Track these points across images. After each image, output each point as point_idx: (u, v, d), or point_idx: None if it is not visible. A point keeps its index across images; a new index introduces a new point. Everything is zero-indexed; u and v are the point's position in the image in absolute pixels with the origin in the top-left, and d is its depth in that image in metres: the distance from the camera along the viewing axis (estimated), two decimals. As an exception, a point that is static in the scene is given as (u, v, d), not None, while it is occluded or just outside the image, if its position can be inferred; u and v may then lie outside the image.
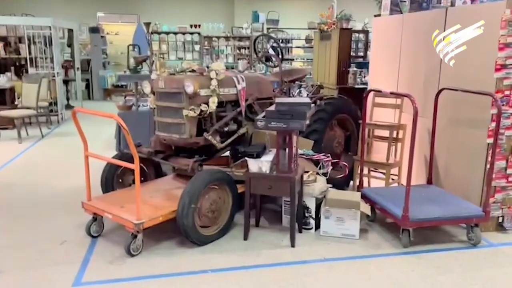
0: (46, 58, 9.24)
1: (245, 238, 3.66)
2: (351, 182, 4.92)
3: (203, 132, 3.78)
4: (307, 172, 3.94)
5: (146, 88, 3.90)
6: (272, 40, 6.99)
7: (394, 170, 4.73)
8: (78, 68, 11.17)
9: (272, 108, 3.46)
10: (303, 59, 11.18)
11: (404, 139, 4.66)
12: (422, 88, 4.61)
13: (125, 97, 7.00)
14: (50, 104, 8.98)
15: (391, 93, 3.81)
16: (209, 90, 3.73)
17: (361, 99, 7.04)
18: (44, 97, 8.56)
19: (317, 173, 4.05)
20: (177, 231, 3.46)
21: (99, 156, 3.54)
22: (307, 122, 3.40)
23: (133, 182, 4.20)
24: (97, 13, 13.99)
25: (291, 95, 4.93)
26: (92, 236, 3.68)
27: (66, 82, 11.17)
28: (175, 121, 3.70)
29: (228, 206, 3.74)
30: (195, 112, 3.61)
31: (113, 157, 4.04)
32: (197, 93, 3.61)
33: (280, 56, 4.72)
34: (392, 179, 4.68)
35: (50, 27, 8.90)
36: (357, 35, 7.14)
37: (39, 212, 4.29)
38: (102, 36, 13.40)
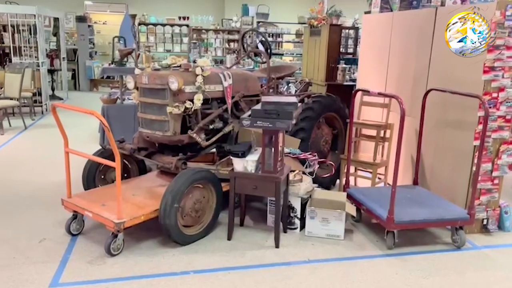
0: (30, 48, 9.03)
1: (229, 238, 3.61)
2: (338, 181, 4.89)
3: (188, 130, 3.70)
4: (293, 171, 3.89)
5: (130, 83, 3.80)
6: (259, 35, 6.92)
7: (381, 170, 4.71)
8: (64, 58, 10.97)
9: (258, 107, 3.39)
10: (293, 54, 11.11)
11: (392, 139, 4.63)
12: (410, 87, 4.58)
13: (111, 89, 6.88)
14: (34, 94, 8.79)
15: (379, 93, 3.77)
16: (194, 87, 3.65)
17: (349, 96, 7.07)
18: (27, 88, 8.38)
19: (303, 173, 4.01)
20: (159, 229, 3.39)
21: (80, 153, 3.44)
22: (294, 121, 3.34)
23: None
24: (85, 1, 13.72)
25: (279, 92, 4.86)
26: (72, 234, 3.59)
27: (51, 72, 10.95)
28: (159, 118, 3.62)
29: (212, 205, 3.68)
30: (179, 109, 3.53)
31: (95, 153, 3.96)
32: (182, 90, 3.53)
33: (268, 52, 4.64)
34: (379, 179, 4.66)
35: (34, 15, 8.69)
36: (347, 31, 7.08)
37: (18, 209, 4.18)
38: (89, 26, 13.16)
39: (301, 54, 10.10)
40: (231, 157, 3.49)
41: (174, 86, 3.46)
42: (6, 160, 5.79)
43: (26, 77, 8.16)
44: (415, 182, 4.25)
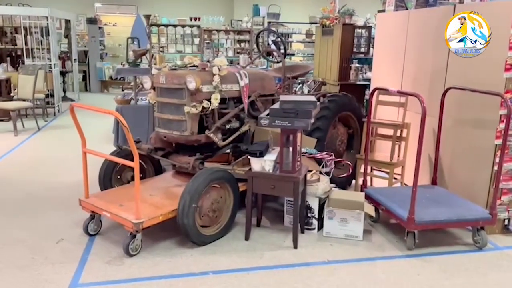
0: (42, 49, 9.08)
1: (247, 239, 3.58)
2: (353, 181, 4.84)
3: (205, 129, 3.68)
4: (310, 171, 3.85)
5: (147, 83, 3.79)
6: (275, 35, 6.89)
7: (397, 170, 4.65)
8: (75, 60, 11.03)
9: (277, 106, 3.36)
10: (304, 54, 11.05)
11: (408, 138, 4.58)
12: (428, 86, 4.52)
13: (122, 90, 6.89)
14: (47, 96, 8.84)
15: (398, 92, 3.72)
16: (211, 86, 3.63)
17: (362, 95, 7.04)
18: (40, 89, 8.43)
19: (320, 173, 3.97)
20: (176, 230, 3.37)
21: (98, 153, 3.44)
22: (312, 120, 3.31)
23: (132, 178, 4.11)
24: (95, 3, 13.80)
25: (293, 91, 4.83)
26: (90, 235, 3.59)
27: (63, 73, 11.02)
28: (176, 118, 3.60)
29: (230, 205, 3.66)
30: (197, 109, 3.51)
31: (112, 153, 3.95)
32: (199, 89, 3.51)
33: (283, 51, 4.61)
34: (395, 179, 4.60)
35: (47, 17, 8.74)
36: (359, 30, 7.02)
37: (35, 209, 4.19)
38: (99, 27, 13.24)
39: (311, 54, 10.06)
40: (248, 157, 3.46)
41: (191, 85, 3.45)
42: (20, 162, 5.81)
43: (39, 78, 8.20)
44: (434, 182, 4.19)
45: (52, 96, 9.11)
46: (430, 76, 4.49)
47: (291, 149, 3.37)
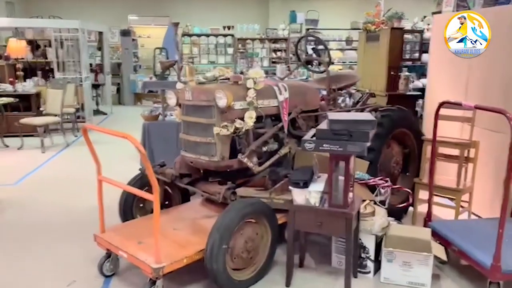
0: (73, 62, 8.87)
1: (288, 285, 2.98)
2: (409, 208, 4.15)
3: (237, 153, 3.13)
4: (364, 201, 3.23)
5: (171, 99, 3.30)
6: (315, 42, 6.30)
7: (464, 196, 3.94)
8: (108, 72, 10.82)
9: (324, 126, 2.76)
10: (344, 62, 10.37)
11: (476, 159, 3.87)
12: (499, 97, 3.82)
13: (153, 103, 6.49)
14: (78, 110, 8.59)
15: (477, 107, 3.03)
16: (245, 103, 3.09)
17: (413, 107, 6.33)
18: (70, 103, 8.17)
19: (375, 203, 3.33)
20: (203, 272, 2.82)
21: (114, 182, 2.95)
22: (369, 144, 2.69)
23: (156, 207, 3.62)
24: (129, 15, 13.66)
25: (338, 106, 4.21)
26: (105, 276, 3.10)
27: (96, 86, 10.84)
28: (204, 140, 3.07)
29: (267, 244, 3.08)
30: (228, 130, 2.97)
31: (133, 180, 3.48)
32: (231, 107, 2.97)
33: (327, 60, 4.02)
34: (462, 207, 3.89)
35: (77, 29, 8.51)
36: (409, 35, 6.34)
37: (47, 240, 3.78)
38: (133, 39, 13.05)
39: (352, 62, 9.40)
40: (290, 188, 2.87)
41: (222, 102, 2.91)
42: (43, 181, 5.47)
43: (69, 92, 7.96)
44: (514, 214, 3.46)
45: (83, 110, 8.86)
46: (503, 85, 3.78)
47: (342, 178, 2.77)
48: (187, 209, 3.57)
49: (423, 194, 4.11)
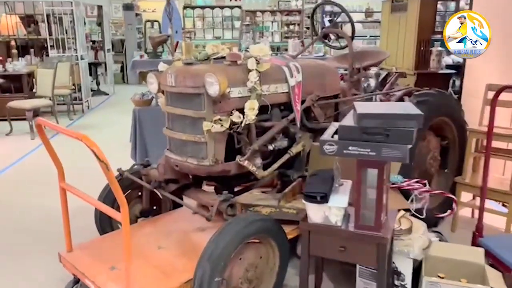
0: (68, 39, 8.18)
1: (301, 321, 2.34)
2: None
3: (236, 153, 2.44)
4: (398, 210, 2.54)
5: (152, 84, 2.61)
6: (332, 12, 5.51)
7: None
8: (108, 50, 10.12)
9: (350, 121, 2.05)
10: (364, 37, 9.43)
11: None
12: None
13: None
14: (74, 91, 7.96)
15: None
16: (245, 89, 2.38)
17: (445, 88, 5.56)
18: (65, 84, 7.54)
19: (413, 214, 2.64)
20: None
21: (79, 192, 2.32)
22: (410, 146, 1.98)
23: (141, 215, 3.00)
24: (132, -12, 12.86)
25: (363, 89, 3.47)
26: (73, 306, 2.49)
27: (96, 65, 10.17)
28: (192, 139, 2.38)
29: (274, 269, 2.44)
30: (222, 125, 2.27)
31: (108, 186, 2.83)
32: (226, 95, 2.26)
33: (351, 33, 3.27)
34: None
35: (71, 2, 7.79)
36: (442, 3, 5.52)
37: (20, 249, 3.22)
38: (137, 14, 12.27)
39: (374, 37, 8.53)
40: (304, 201, 2.19)
41: (213, 89, 2.21)
42: (24, 173, 4.92)
43: (63, 72, 7.34)
44: None
45: (80, 91, 8.22)
46: None
47: (373, 191, 2.07)
48: (177, 218, 2.93)
49: (465, 197, 3.41)
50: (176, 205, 3.10)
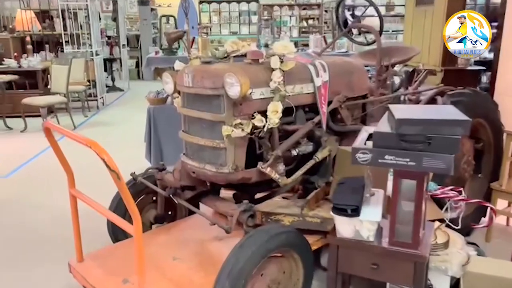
0: (83, 35, 8.08)
1: None
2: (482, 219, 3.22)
3: (257, 160, 2.25)
4: (433, 221, 2.33)
5: (168, 84, 2.44)
6: (351, 6, 5.27)
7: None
8: (124, 45, 10.02)
9: (386, 127, 1.85)
10: (387, 31, 9.12)
11: None
12: None
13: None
14: (89, 87, 7.87)
15: None
16: (268, 90, 2.19)
17: (474, 86, 5.29)
18: (80, 80, 7.45)
19: (448, 225, 2.43)
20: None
21: (90, 201, 2.17)
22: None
23: (156, 221, 2.84)
24: (147, -17, 12.72)
25: (392, 88, 3.24)
26: (84, 320, 2.35)
27: (111, 61, 10.07)
28: (210, 144, 2.20)
29: (298, 283, 2.25)
30: (243, 130, 2.09)
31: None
32: (248, 97, 2.08)
33: (379, 28, 3.06)
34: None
35: (86, -3, 7.69)
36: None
37: (27, 254, 3.10)
38: (152, 9, 12.14)
39: (396, 31, 8.24)
40: (332, 214, 2.00)
41: (234, 90, 2.02)
42: (37, 172, 4.82)
43: (78, 68, 7.24)
44: None
45: (95, 87, 8.12)
46: None
47: (408, 203, 1.87)
48: (193, 226, 2.76)
49: (500, 204, 3.18)
50: (192, 211, 2.94)
